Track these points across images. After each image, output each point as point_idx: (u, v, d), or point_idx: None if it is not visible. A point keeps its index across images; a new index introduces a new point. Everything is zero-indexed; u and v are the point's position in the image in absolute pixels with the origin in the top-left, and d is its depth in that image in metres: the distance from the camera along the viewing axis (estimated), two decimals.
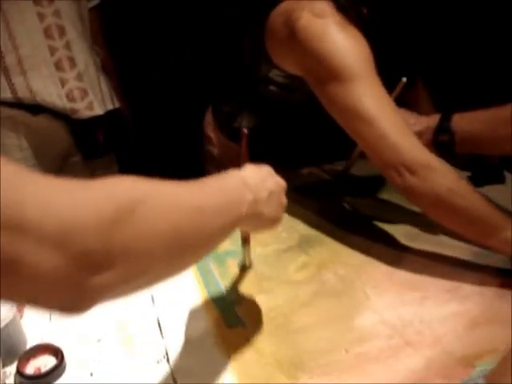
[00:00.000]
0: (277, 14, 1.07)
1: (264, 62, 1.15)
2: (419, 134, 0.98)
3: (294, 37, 1.00)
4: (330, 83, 0.96)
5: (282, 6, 1.06)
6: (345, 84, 0.94)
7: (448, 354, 0.80)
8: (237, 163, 1.37)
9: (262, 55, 1.15)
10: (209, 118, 1.44)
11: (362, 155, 1.08)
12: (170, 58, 2.20)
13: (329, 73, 0.95)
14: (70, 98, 1.31)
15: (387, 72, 1.14)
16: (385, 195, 1.24)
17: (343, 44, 0.95)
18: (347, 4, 0.99)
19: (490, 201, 0.90)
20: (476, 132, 0.94)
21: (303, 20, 0.98)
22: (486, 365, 0.77)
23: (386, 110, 0.93)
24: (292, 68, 1.09)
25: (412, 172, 0.90)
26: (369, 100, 0.93)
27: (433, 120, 0.98)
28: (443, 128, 0.96)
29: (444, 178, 0.90)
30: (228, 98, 1.38)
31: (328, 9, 0.98)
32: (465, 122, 0.95)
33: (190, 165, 1.55)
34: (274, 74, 1.15)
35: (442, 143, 0.97)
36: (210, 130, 1.42)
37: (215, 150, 1.42)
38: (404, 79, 1.03)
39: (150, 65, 2.17)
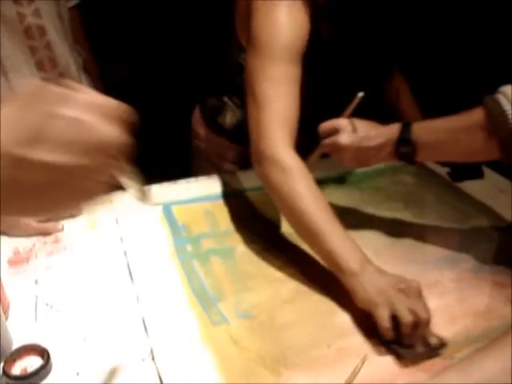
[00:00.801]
0: None
1: (236, 46, 1.19)
2: (381, 147, 1.00)
3: (249, 15, 1.04)
4: (250, 52, 1.02)
5: None
6: (259, 58, 1.00)
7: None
8: (223, 157, 1.40)
9: (234, 39, 1.17)
10: (197, 114, 1.46)
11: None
12: (157, 56, 2.21)
13: (254, 44, 1.01)
14: None
15: (350, 58, 1.17)
16: (366, 191, 1.27)
17: (279, 25, 0.99)
18: None
19: (333, 215, 0.92)
20: (437, 141, 0.94)
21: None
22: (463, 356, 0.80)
23: (276, 100, 0.98)
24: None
25: (258, 162, 0.98)
26: (267, 83, 0.98)
27: (393, 131, 0.98)
28: (404, 140, 0.96)
29: (283, 174, 0.95)
30: (213, 92, 1.39)
31: None
32: (425, 133, 0.95)
33: (177, 159, 1.57)
34: (242, 59, 1.17)
35: (403, 154, 0.98)
36: (198, 125, 1.45)
37: (202, 145, 1.44)
38: (360, 94, 1.03)
39: (137, 63, 2.18)
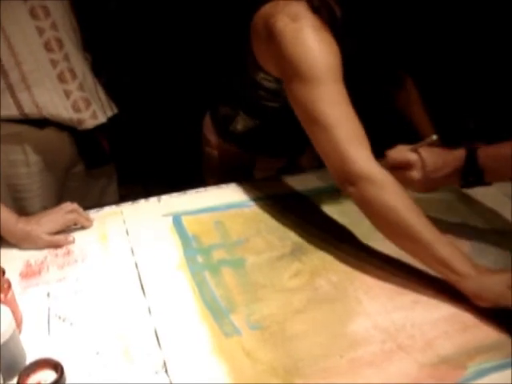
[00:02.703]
0: (259, 16, 1.12)
1: (252, 64, 1.19)
2: (448, 176, 1.05)
3: (272, 39, 1.05)
4: (296, 84, 1.02)
5: (263, 9, 1.11)
6: (308, 86, 1.00)
7: (440, 356, 0.82)
8: (234, 165, 1.41)
9: (250, 57, 1.18)
10: (207, 121, 1.47)
11: None
12: (168, 62, 2.22)
13: (296, 74, 1.01)
14: (75, 108, 1.31)
15: (368, 69, 1.18)
16: None
17: (313, 48, 1.00)
18: (320, 4, 1.03)
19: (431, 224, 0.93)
20: (502, 167, 0.99)
21: (280, 23, 1.03)
22: (478, 365, 0.80)
23: (343, 119, 0.99)
24: (272, 69, 1.14)
25: (352, 182, 0.98)
26: (328, 106, 0.99)
27: (459, 159, 1.03)
28: (470, 169, 1.02)
29: (382, 191, 0.95)
30: (224, 101, 1.40)
31: (303, 10, 1.03)
32: (490, 160, 1.00)
33: (189, 166, 1.58)
34: (261, 78, 1.19)
35: (470, 183, 1.04)
36: (209, 132, 1.46)
37: (214, 152, 1.45)
38: (434, 137, 1.08)
39: (147, 70, 2.19)
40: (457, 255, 0.90)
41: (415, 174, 1.06)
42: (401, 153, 1.09)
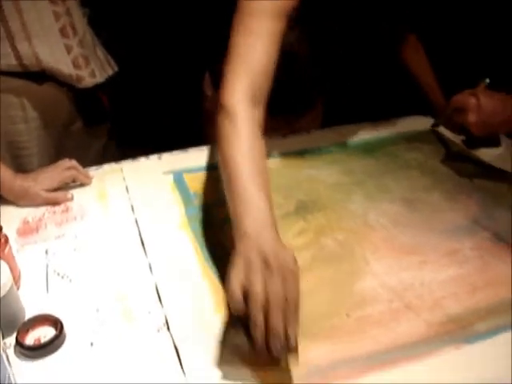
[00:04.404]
0: None
1: None
2: (507, 120, 1.08)
3: None
4: (237, 11, 0.98)
5: None
6: (242, 14, 0.96)
7: (448, 316, 0.80)
8: None
9: None
10: (206, 78, 1.46)
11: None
12: (169, 20, 2.17)
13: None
14: (75, 65, 1.27)
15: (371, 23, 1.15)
16: (382, 159, 1.24)
17: None
18: None
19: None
20: None
21: None
22: (486, 325, 0.78)
23: (250, 53, 0.95)
24: None
25: (218, 110, 0.92)
26: (246, 37, 0.95)
27: None
28: None
29: (232, 128, 0.88)
30: (223, 56, 1.37)
31: None
32: None
33: (188, 122, 1.57)
34: None
35: None
36: (207, 88, 1.45)
37: (211, 107, 1.42)
38: (487, 80, 1.15)
39: (147, 29, 2.14)
40: (253, 209, 0.78)
41: (471, 116, 1.09)
42: (462, 96, 1.14)
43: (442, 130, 1.35)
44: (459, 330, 0.78)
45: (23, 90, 1.25)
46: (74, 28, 1.28)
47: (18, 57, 1.18)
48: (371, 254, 0.92)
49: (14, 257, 0.84)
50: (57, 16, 1.22)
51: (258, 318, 0.65)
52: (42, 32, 1.20)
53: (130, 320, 0.78)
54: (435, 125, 1.37)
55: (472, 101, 1.10)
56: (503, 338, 0.77)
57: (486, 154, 1.26)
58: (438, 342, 0.75)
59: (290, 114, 1.44)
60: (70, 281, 0.86)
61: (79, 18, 1.31)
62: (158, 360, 0.72)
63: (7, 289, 0.71)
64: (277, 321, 0.65)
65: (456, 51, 1.67)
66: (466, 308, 0.81)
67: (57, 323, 0.75)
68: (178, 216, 1.02)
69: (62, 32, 1.24)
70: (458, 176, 1.18)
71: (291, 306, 0.68)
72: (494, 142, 1.30)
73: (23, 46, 1.18)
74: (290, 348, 0.65)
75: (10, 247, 0.82)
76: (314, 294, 0.83)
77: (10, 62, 1.18)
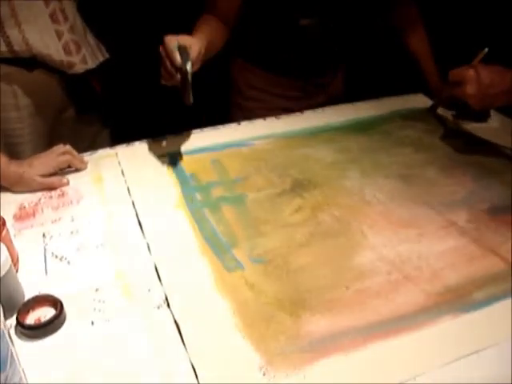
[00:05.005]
0: None
1: None
2: (505, 92, 1.09)
3: None
4: None
5: None
6: None
7: (446, 286, 0.81)
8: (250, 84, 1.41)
9: None
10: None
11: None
12: (159, 9, 2.15)
13: None
14: (66, 51, 1.26)
15: None
16: (376, 137, 1.24)
17: None
18: None
19: None
20: None
21: None
22: (484, 294, 0.79)
23: None
24: None
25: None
26: None
27: None
28: None
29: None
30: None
31: None
32: None
33: (181, 108, 1.57)
34: None
35: None
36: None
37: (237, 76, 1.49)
38: (486, 49, 1.15)
39: (139, 15, 2.12)
40: None
41: (469, 88, 1.10)
42: (460, 69, 1.14)
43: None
44: (457, 299, 0.78)
45: (14, 77, 1.24)
46: (64, 13, 1.26)
47: (8, 43, 1.17)
48: (369, 228, 0.93)
49: (11, 240, 0.84)
50: (47, 1, 1.21)
51: None
52: (31, 17, 1.19)
53: (130, 298, 0.78)
54: (432, 108, 1.37)
55: (470, 73, 1.11)
56: (500, 306, 0.77)
57: (480, 130, 1.27)
58: (437, 312, 0.76)
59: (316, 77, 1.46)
60: (69, 263, 0.86)
61: (69, 4, 1.29)
62: (160, 337, 0.72)
63: (6, 269, 0.71)
64: None
65: (453, 27, 1.67)
66: (463, 277, 0.82)
67: (57, 303, 0.74)
68: (175, 196, 1.01)
69: (52, 17, 1.23)
70: (453, 152, 1.19)
71: None
72: (483, 116, 1.32)
73: (13, 32, 1.17)
74: None
75: (8, 230, 0.82)
76: (313, 269, 0.84)
77: (0, 48, 1.17)
